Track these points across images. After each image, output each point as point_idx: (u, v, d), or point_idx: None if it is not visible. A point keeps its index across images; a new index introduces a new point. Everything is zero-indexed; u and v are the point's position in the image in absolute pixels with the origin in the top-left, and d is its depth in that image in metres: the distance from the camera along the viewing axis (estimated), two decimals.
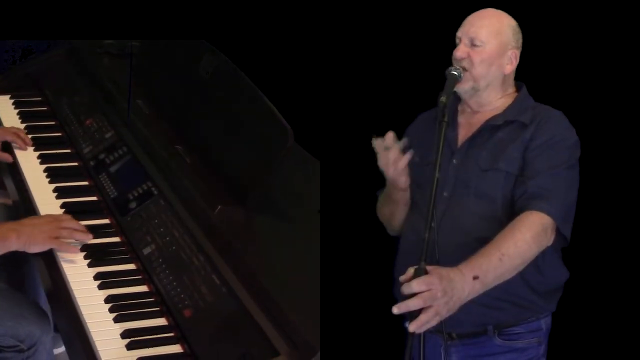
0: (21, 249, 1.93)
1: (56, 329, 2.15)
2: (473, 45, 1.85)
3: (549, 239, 1.75)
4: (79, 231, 2.00)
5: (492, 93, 1.90)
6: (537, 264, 1.80)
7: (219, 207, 1.97)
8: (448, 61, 1.90)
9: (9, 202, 2.35)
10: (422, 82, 2.37)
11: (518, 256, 1.67)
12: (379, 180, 2.17)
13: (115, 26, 2.59)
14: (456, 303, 1.58)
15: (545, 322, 1.88)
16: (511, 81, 1.94)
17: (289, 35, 2.51)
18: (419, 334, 1.58)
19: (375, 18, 2.53)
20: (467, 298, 1.61)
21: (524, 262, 1.70)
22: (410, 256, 1.67)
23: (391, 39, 2.52)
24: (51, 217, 2.02)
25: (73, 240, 1.99)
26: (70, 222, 2.01)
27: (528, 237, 1.69)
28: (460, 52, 1.85)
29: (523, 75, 1.96)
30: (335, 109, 2.48)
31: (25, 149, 2.39)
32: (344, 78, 2.52)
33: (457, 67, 1.84)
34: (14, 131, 2.43)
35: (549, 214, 1.73)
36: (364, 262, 2.44)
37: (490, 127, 1.88)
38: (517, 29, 1.91)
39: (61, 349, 2.51)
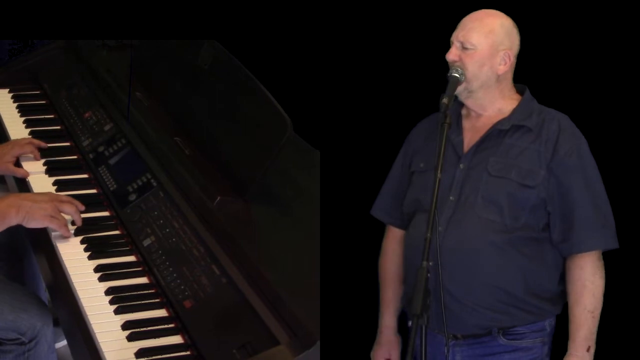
0: (19, 223, 1.94)
1: (55, 324, 2.15)
2: (464, 48, 1.85)
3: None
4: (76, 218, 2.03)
5: (489, 94, 1.90)
6: (543, 272, 1.84)
7: (219, 198, 1.97)
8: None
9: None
10: (420, 73, 2.36)
11: (600, 299, 1.84)
12: (378, 171, 2.17)
13: (115, 26, 2.58)
14: None
15: (549, 323, 1.89)
16: (508, 82, 1.92)
17: (288, 26, 2.50)
18: (421, 333, 1.60)
19: (376, 9, 2.52)
20: None
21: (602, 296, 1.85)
22: (416, 258, 1.69)
23: (390, 31, 2.51)
24: (53, 196, 2.03)
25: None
26: (69, 206, 2.01)
27: (597, 279, 1.84)
28: (452, 55, 1.86)
29: (523, 76, 1.97)
30: (334, 100, 2.48)
31: (39, 159, 2.34)
32: (343, 68, 2.51)
33: (458, 69, 1.84)
34: (27, 142, 2.36)
35: (602, 247, 1.85)
36: (364, 253, 2.43)
37: (497, 132, 1.88)
38: (512, 30, 1.89)
39: (62, 343, 2.52)
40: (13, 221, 1.92)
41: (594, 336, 1.83)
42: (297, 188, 2.10)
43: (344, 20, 2.47)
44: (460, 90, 1.87)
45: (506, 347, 1.85)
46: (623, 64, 2.27)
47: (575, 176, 1.83)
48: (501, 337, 1.84)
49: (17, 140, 2.39)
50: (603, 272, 1.85)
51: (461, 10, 1.94)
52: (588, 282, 1.83)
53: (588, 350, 1.82)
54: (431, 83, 1.96)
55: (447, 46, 1.91)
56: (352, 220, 2.44)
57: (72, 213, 2.01)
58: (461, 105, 1.97)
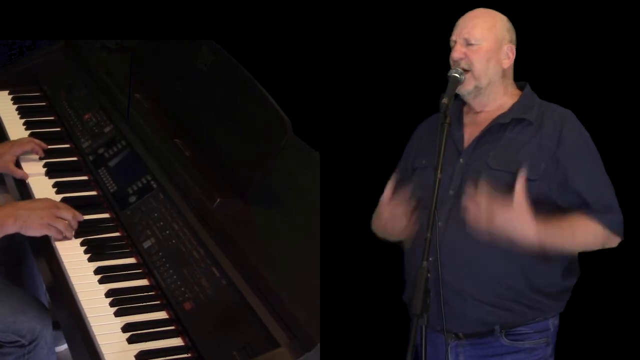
0: (18, 231, 1.95)
1: (55, 327, 2.15)
2: (469, 44, 1.86)
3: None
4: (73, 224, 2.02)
5: (494, 90, 1.90)
6: (545, 267, 1.83)
7: (218, 199, 1.97)
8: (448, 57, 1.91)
9: (9, 198, 2.35)
10: (420, 74, 2.37)
11: (578, 245, 1.80)
12: (378, 171, 2.17)
13: (115, 26, 2.58)
14: None
15: (553, 323, 1.88)
16: (511, 77, 1.94)
17: (287, 26, 2.50)
18: (421, 333, 1.59)
19: (376, 10, 2.52)
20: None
21: (577, 246, 1.81)
22: (417, 255, 1.69)
23: (390, 32, 2.52)
24: (49, 203, 2.02)
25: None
26: (67, 213, 2.01)
27: (599, 230, 1.79)
28: (457, 52, 1.86)
29: (523, 75, 1.96)
30: (334, 100, 2.48)
31: (42, 154, 2.34)
32: (342, 69, 2.51)
33: (458, 69, 1.84)
34: (27, 140, 2.36)
35: (608, 226, 1.81)
36: (364, 254, 2.44)
37: (498, 126, 1.88)
38: (510, 25, 1.92)
39: (63, 347, 2.52)
40: (10, 230, 1.93)
41: (549, 239, 1.74)
42: (297, 189, 2.10)
43: (344, 21, 2.47)
44: (469, 89, 1.87)
45: (509, 348, 1.85)
46: (623, 63, 2.27)
47: (581, 167, 1.82)
48: (504, 337, 1.84)
49: (17, 140, 2.39)
50: (602, 244, 1.82)
51: (460, 10, 1.94)
52: (589, 227, 1.78)
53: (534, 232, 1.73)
54: (431, 84, 1.96)
55: (447, 46, 1.91)
56: (352, 221, 2.44)
57: (69, 219, 2.01)
58: (463, 102, 1.97)
